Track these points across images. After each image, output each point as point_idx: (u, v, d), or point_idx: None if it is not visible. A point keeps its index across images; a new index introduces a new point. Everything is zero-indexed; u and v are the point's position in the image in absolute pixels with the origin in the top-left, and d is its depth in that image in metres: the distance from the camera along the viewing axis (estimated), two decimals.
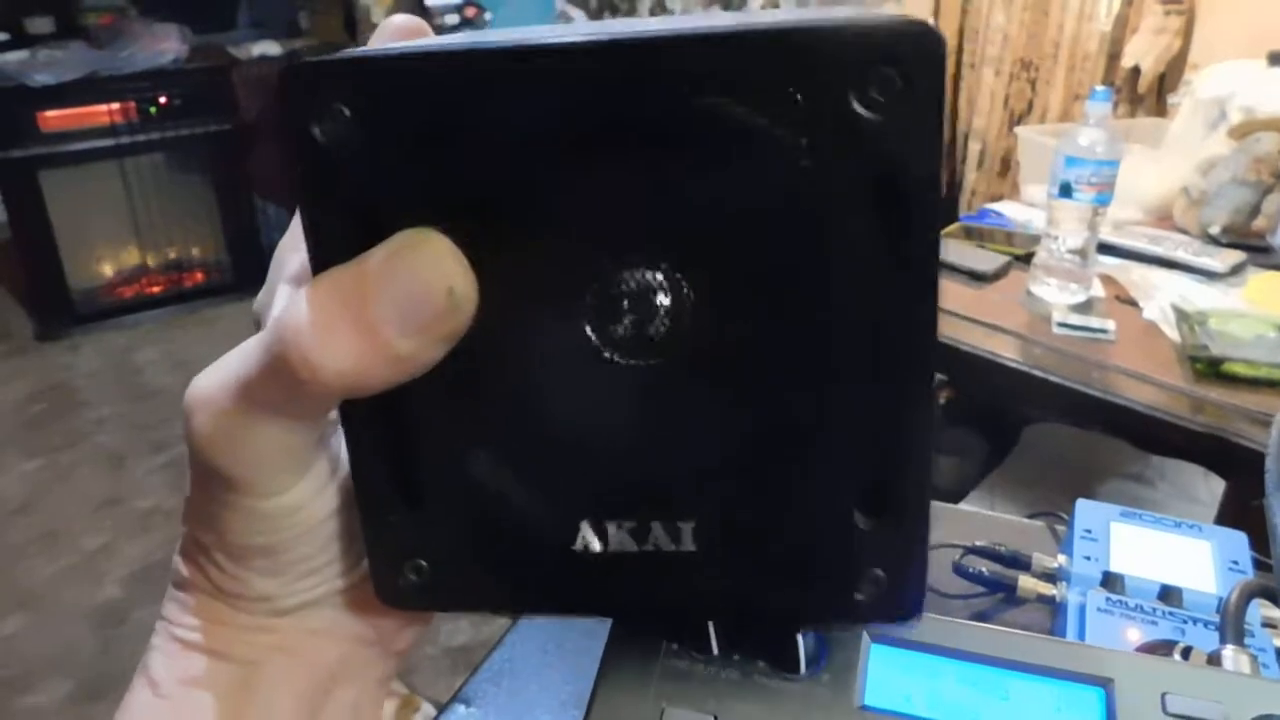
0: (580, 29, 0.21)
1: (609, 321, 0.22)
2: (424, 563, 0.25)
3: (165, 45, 2.83)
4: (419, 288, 0.21)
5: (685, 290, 0.22)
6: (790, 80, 0.20)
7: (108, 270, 3.04)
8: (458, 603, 0.26)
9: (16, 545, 2.08)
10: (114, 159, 2.87)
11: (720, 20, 0.21)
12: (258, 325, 0.25)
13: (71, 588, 1.96)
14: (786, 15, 0.21)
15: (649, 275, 0.22)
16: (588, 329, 0.22)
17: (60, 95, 2.71)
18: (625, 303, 0.22)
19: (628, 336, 0.22)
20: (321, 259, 0.22)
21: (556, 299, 0.22)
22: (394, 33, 0.26)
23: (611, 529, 0.24)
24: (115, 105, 2.81)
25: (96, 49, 2.80)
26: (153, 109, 2.87)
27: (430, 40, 0.25)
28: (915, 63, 0.20)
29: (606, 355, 0.22)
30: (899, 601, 0.24)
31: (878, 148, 0.20)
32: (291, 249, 0.25)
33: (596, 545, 0.24)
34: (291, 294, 0.21)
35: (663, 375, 0.23)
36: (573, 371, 0.23)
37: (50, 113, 2.74)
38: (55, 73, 2.67)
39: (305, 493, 0.24)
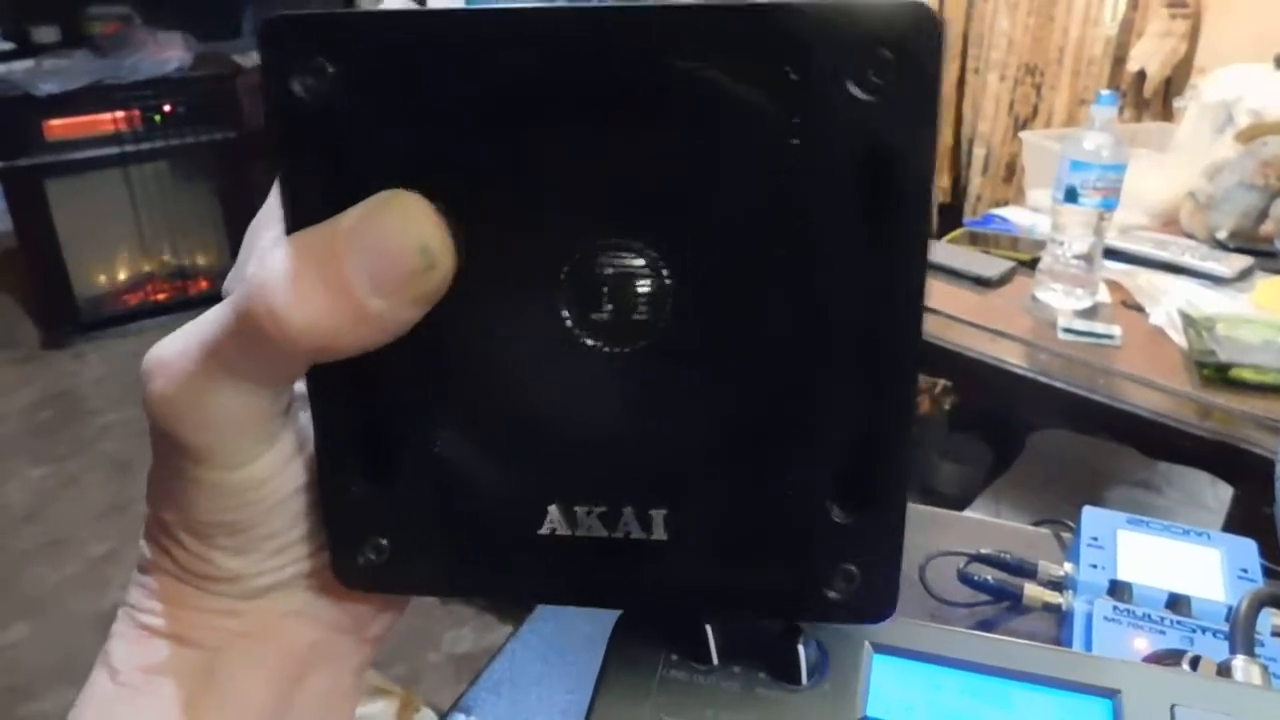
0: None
1: (586, 305, 0.22)
2: (385, 541, 0.24)
3: (170, 54, 2.83)
4: (392, 245, 0.20)
5: (665, 275, 0.22)
6: (784, 56, 0.20)
7: (113, 278, 3.05)
8: (419, 584, 0.26)
9: (22, 552, 2.08)
10: (119, 167, 2.87)
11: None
12: None
13: (77, 595, 1.96)
14: None
15: (628, 259, 0.21)
16: (564, 312, 0.22)
17: (65, 104, 2.72)
18: (604, 288, 0.22)
19: (605, 321, 0.22)
20: (297, 220, 0.21)
21: (533, 276, 0.22)
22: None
23: (581, 514, 0.24)
24: (120, 114, 2.82)
25: (101, 58, 2.80)
26: (157, 117, 2.87)
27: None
28: (913, 46, 0.19)
29: (582, 339, 0.22)
30: (871, 599, 0.24)
31: (871, 130, 0.20)
32: (265, 226, 0.25)
33: (565, 530, 0.24)
34: (263, 254, 0.21)
35: (639, 360, 0.22)
36: (547, 351, 0.22)
37: (56, 121, 2.74)
38: (60, 81, 2.68)
39: (271, 465, 0.23)
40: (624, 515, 0.24)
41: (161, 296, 3.08)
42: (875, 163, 0.20)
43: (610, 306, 0.22)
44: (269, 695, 0.25)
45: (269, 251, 0.21)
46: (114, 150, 2.84)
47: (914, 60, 0.20)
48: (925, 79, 0.20)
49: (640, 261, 0.21)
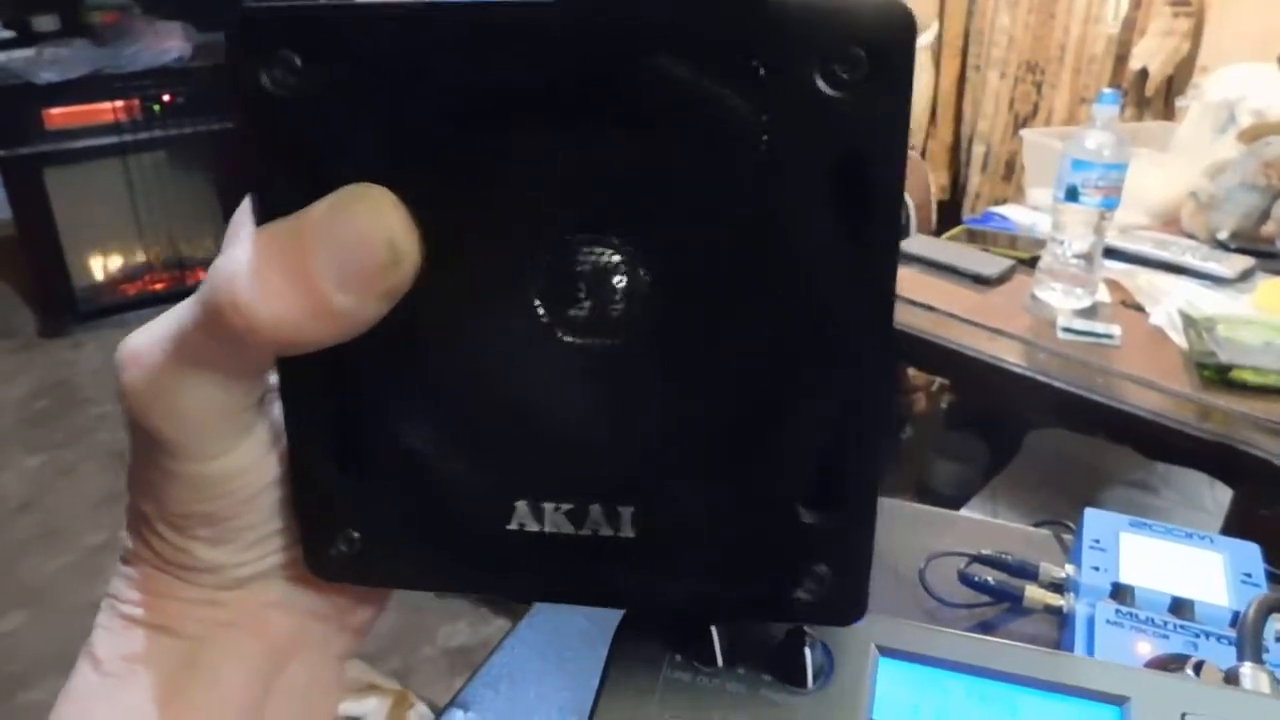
0: None
1: (562, 299, 0.22)
2: (356, 534, 0.24)
3: (169, 43, 2.82)
4: (357, 240, 0.20)
5: (641, 272, 0.21)
6: (753, 52, 0.19)
7: (111, 267, 3.04)
8: (389, 577, 0.26)
9: (18, 542, 2.07)
10: (118, 156, 2.87)
11: None
12: None
13: (73, 584, 1.96)
14: None
15: (605, 254, 0.21)
16: (539, 305, 0.22)
17: (65, 93, 2.71)
18: (580, 282, 0.22)
19: (580, 316, 0.22)
20: (265, 212, 0.21)
21: (507, 270, 0.22)
22: None
23: (549, 510, 0.23)
24: (119, 103, 2.81)
25: (101, 47, 2.80)
26: (157, 107, 2.86)
27: None
28: (885, 44, 0.19)
29: (557, 333, 0.22)
30: (842, 601, 0.24)
31: (840, 129, 0.20)
32: (246, 220, 0.25)
33: (533, 526, 0.24)
34: (231, 247, 0.21)
35: (612, 357, 0.22)
36: (520, 346, 0.22)
37: (55, 110, 2.74)
38: (60, 70, 2.67)
39: (245, 458, 0.23)
40: (591, 512, 0.23)
41: (159, 286, 3.07)
42: (845, 161, 0.20)
43: (585, 301, 0.22)
44: (251, 684, 0.25)
45: (236, 243, 0.21)
46: (113, 139, 2.83)
47: (886, 58, 0.19)
48: (897, 77, 0.19)
49: (616, 257, 0.21)
